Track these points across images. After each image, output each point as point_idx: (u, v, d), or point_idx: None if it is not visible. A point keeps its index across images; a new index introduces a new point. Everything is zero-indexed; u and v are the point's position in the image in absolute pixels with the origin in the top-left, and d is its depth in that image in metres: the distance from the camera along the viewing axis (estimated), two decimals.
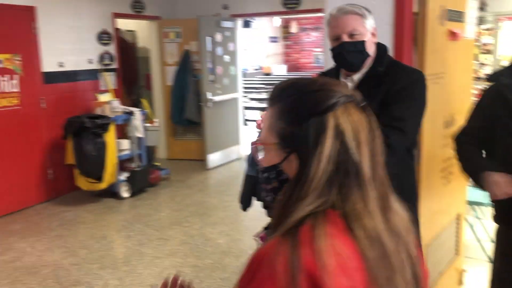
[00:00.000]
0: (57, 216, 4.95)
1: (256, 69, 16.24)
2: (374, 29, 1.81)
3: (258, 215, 4.37)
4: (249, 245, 4.04)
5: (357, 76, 1.83)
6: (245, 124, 8.17)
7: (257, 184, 2.60)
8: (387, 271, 0.82)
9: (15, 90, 5.04)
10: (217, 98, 6.70)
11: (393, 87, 1.72)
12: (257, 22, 14.82)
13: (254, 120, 8.17)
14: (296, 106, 0.87)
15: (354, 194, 0.83)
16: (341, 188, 0.83)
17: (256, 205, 2.71)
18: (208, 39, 6.54)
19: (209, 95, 6.57)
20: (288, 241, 0.78)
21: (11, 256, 4.00)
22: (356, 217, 0.82)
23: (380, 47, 1.86)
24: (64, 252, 4.06)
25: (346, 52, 1.76)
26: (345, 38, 1.75)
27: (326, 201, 0.82)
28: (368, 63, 1.82)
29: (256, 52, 16.37)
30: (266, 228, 2.89)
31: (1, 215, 4.93)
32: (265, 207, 2.71)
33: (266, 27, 16.38)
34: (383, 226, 0.84)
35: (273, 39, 17.16)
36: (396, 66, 1.82)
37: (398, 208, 0.91)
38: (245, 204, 2.65)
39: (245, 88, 9.99)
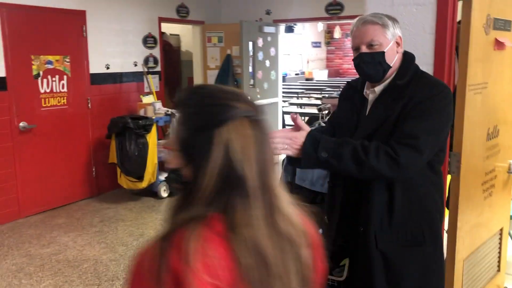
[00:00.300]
0: (99, 213, 5.14)
1: (297, 74, 16.21)
2: (398, 39, 1.74)
3: None
4: None
5: (379, 88, 1.77)
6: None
7: (292, 190, 2.61)
8: (262, 277, 0.84)
9: (63, 90, 5.28)
10: (256, 102, 6.73)
11: (411, 101, 1.64)
12: (299, 27, 14.80)
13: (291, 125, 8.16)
14: (194, 116, 0.90)
15: (237, 204, 0.87)
16: (227, 198, 0.87)
17: None
18: (250, 44, 6.61)
19: None
20: (162, 243, 0.84)
21: (55, 249, 4.19)
22: (236, 225, 0.85)
23: (406, 58, 1.78)
24: (104, 247, 4.21)
25: (364, 63, 1.71)
26: (364, 49, 1.70)
27: (210, 210, 0.87)
28: (391, 74, 1.75)
29: (298, 57, 16.35)
30: None
31: (47, 209, 5.17)
32: None
33: (309, 32, 16.33)
34: (266, 235, 0.87)
35: (316, 44, 17.09)
36: (419, 79, 1.72)
37: (291, 215, 0.93)
38: None
39: (285, 93, 10.00)
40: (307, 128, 1.61)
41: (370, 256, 1.71)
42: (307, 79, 15.88)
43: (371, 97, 1.78)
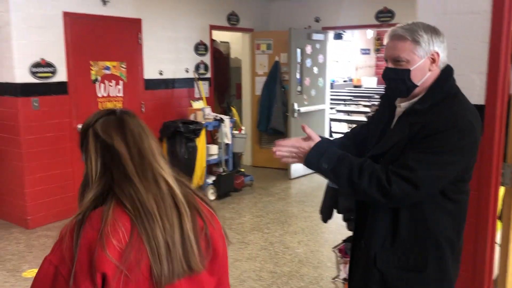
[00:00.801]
0: None
1: (345, 81, 16.07)
2: (434, 55, 1.60)
3: (338, 228, 4.39)
4: (328, 257, 4.05)
5: (404, 105, 1.66)
6: (331, 136, 8.14)
7: (339, 196, 2.63)
8: (148, 226, 1.10)
9: (119, 94, 5.54)
10: (303, 109, 6.78)
11: (422, 131, 1.52)
12: (348, 34, 14.69)
13: (341, 132, 8.12)
14: (83, 124, 1.27)
15: (120, 177, 1.15)
16: (113, 176, 1.15)
17: (337, 217, 2.74)
18: (298, 51, 6.66)
19: (295, 106, 6.67)
20: (78, 219, 1.10)
21: None
22: (124, 193, 1.12)
23: (442, 76, 1.63)
24: None
25: (387, 79, 1.65)
26: (389, 64, 1.62)
27: (104, 187, 1.15)
28: (420, 92, 1.62)
29: (347, 64, 16.21)
30: (345, 241, 2.90)
31: None
32: (345, 220, 2.73)
33: (358, 39, 16.16)
34: (149, 197, 1.13)
35: (365, 51, 16.88)
36: (443, 105, 1.57)
37: (171, 182, 1.19)
38: (326, 215, 2.68)
39: (333, 99, 9.95)
40: (317, 138, 1.62)
41: (368, 271, 1.68)
42: (355, 86, 15.71)
43: (397, 111, 1.70)
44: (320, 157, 1.57)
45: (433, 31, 1.61)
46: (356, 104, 11.51)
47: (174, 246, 1.13)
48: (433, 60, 1.60)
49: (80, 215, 1.10)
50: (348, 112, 10.23)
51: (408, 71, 1.58)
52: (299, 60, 6.70)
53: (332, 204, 2.64)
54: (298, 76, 6.73)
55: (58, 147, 4.96)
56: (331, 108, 8.79)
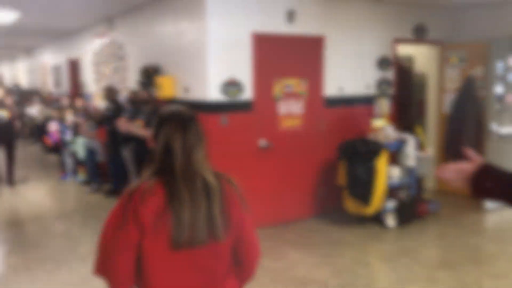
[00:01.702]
0: (324, 234, 5.15)
1: None
2: None
3: None
4: None
5: None
6: None
7: None
8: (178, 207, 1.55)
9: (299, 112, 5.53)
10: (504, 131, 5.85)
11: None
12: None
13: None
14: (160, 116, 1.69)
15: (169, 169, 1.60)
16: (166, 164, 1.61)
17: None
18: (500, 64, 5.79)
19: (494, 127, 5.79)
20: (134, 186, 1.61)
21: (285, 265, 4.32)
22: (168, 183, 1.58)
23: None
24: (331, 271, 4.15)
25: None
26: None
27: (158, 169, 1.62)
28: None
29: None
30: None
31: (277, 224, 5.43)
32: None
33: None
34: (184, 186, 1.58)
35: None
36: None
37: (210, 181, 1.63)
38: None
39: None
40: (479, 161, 1.50)
41: None
42: None
43: None
44: (485, 177, 1.46)
45: None
46: None
47: (198, 221, 1.56)
48: None
49: (136, 183, 1.61)
50: None
51: None
52: (500, 74, 5.82)
53: None
54: (498, 92, 5.85)
55: (241, 162, 5.13)
56: None
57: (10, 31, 9.16)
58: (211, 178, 1.62)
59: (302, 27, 5.41)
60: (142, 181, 1.59)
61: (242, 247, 1.71)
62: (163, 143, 1.61)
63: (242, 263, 1.74)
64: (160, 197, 1.54)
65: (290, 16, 5.30)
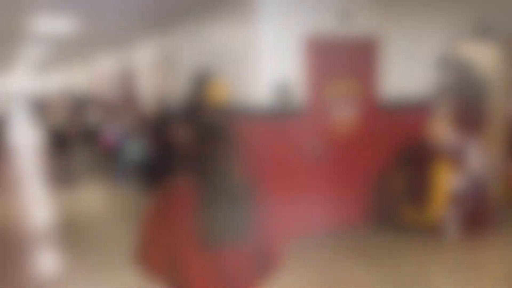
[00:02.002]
0: (379, 244, 4.90)
1: None
2: None
3: None
4: None
5: None
6: None
7: None
8: (212, 207, 1.71)
9: (353, 116, 5.31)
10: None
11: None
12: None
13: None
14: (204, 121, 1.98)
15: (205, 169, 1.76)
16: (199, 164, 1.77)
17: None
18: None
19: None
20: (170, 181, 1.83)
21: (340, 278, 4.12)
22: (202, 183, 1.75)
23: None
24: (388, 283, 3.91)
25: None
26: None
27: (195, 170, 1.78)
28: None
29: None
30: None
31: (330, 233, 5.23)
32: None
33: None
34: (216, 189, 1.74)
35: None
36: None
37: (240, 185, 1.78)
38: None
39: None
40: None
41: None
42: None
43: None
44: None
45: None
46: None
47: (228, 223, 1.68)
48: None
49: (172, 183, 1.76)
50: None
51: None
52: None
53: None
54: None
55: (293, 168, 5.00)
56: None
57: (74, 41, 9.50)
58: (240, 183, 1.76)
59: (357, 26, 5.22)
60: (177, 181, 1.75)
61: (264, 250, 1.82)
62: (201, 148, 1.73)
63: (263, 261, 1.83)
64: (193, 198, 1.68)
65: (344, 14, 5.11)
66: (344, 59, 5.22)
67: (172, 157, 6.16)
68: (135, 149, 7.52)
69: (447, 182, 4.91)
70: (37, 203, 6.92)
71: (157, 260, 1.71)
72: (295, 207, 5.03)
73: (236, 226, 1.70)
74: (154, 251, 1.72)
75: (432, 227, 5.03)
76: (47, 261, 4.70)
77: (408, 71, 5.64)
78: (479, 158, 5.16)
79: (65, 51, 12.59)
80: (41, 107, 16.17)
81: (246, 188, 1.77)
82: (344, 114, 5.26)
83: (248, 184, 1.79)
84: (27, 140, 15.21)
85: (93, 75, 15.64)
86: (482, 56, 6.91)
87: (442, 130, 5.32)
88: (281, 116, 4.92)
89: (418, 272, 4.16)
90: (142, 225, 1.76)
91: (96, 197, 7.33)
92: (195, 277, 1.68)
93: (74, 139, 8.40)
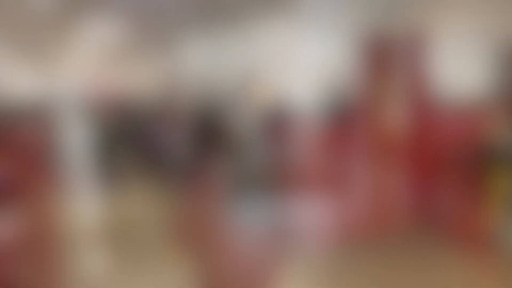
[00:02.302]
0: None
1: None
2: None
3: None
4: None
5: None
6: None
7: None
8: None
9: (408, 115, 5.07)
10: None
11: None
12: None
13: None
14: None
15: None
16: None
17: None
18: None
19: None
20: None
21: None
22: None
23: None
24: None
25: None
26: None
27: None
28: None
29: None
30: None
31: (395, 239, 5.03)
32: None
33: None
34: None
35: None
36: None
37: None
38: None
39: None
40: None
41: None
42: None
43: None
44: None
45: None
46: None
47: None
48: None
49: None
50: None
51: None
52: None
53: None
54: None
55: (351, 169, 4.87)
56: None
57: None
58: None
59: (406, 21, 4.93)
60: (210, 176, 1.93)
61: None
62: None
63: None
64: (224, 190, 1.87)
65: (392, 10, 4.85)
66: (394, 57, 4.98)
67: (214, 155, 6.16)
68: (182, 150, 7.59)
69: (507, 188, 4.57)
70: (87, 204, 7.15)
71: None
72: (345, 210, 4.93)
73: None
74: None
75: (489, 236, 4.70)
76: (95, 262, 4.81)
77: (463, 65, 5.28)
78: None
79: (116, 53, 12.95)
80: (91, 109, 16.82)
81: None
82: (396, 115, 5.05)
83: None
84: (78, 141, 15.90)
85: (142, 76, 16.03)
86: None
87: (502, 131, 4.97)
88: (330, 117, 4.81)
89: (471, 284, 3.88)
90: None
91: (144, 200, 7.47)
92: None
93: (124, 141, 8.62)
